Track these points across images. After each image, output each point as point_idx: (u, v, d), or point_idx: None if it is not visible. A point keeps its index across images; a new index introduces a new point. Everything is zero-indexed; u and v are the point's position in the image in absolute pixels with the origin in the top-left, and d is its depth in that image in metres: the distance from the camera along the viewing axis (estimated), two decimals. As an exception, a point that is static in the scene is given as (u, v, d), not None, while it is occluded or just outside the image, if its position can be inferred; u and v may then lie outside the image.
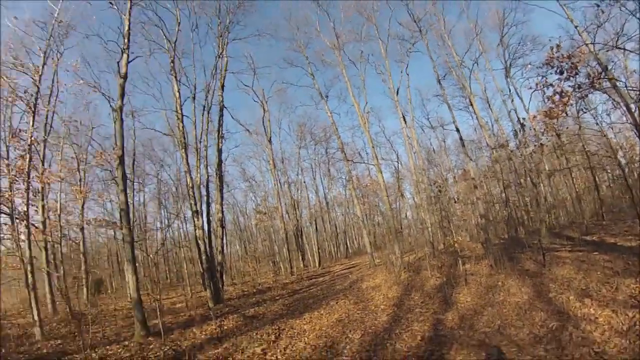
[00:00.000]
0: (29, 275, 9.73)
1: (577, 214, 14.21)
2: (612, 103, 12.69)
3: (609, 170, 15.65)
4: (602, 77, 7.63)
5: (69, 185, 18.46)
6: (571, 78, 7.29)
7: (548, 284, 7.09)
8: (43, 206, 13.31)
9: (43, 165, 13.45)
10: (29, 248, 10.10)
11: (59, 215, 16.35)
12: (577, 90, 7.59)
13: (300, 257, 27.66)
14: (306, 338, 7.41)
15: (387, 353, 5.81)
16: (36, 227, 11.98)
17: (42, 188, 13.23)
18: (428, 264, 11.25)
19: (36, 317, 9.14)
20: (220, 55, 16.79)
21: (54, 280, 14.41)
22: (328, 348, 6.52)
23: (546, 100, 7.86)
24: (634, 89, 9.86)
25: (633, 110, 11.23)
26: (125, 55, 10.11)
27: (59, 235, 16.37)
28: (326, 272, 21.52)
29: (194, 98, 16.26)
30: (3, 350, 7.84)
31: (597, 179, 14.19)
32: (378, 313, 8.46)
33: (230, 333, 8.50)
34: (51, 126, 14.75)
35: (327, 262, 30.02)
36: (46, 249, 13.52)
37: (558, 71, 7.17)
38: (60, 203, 17.07)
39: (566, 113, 7.98)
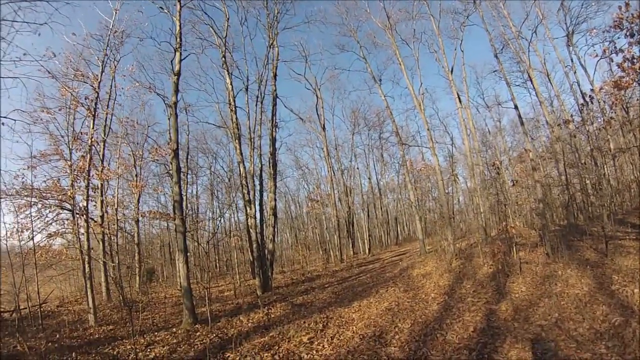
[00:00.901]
0: (86, 266, 10.62)
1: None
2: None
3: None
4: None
5: (126, 181, 20.23)
6: (642, 40, 6.64)
7: (610, 275, 6.70)
8: (102, 201, 14.44)
9: (102, 163, 14.73)
10: (87, 240, 11.10)
11: (116, 210, 17.73)
12: (650, 54, 6.89)
13: (351, 245, 27.92)
14: (354, 327, 7.51)
15: (437, 344, 5.85)
16: (95, 221, 13.13)
17: (101, 185, 14.51)
18: (480, 251, 10.98)
19: (91, 305, 9.89)
20: (271, 46, 17.05)
21: (110, 269, 15.66)
22: (376, 337, 6.61)
23: (615, 68, 7.24)
24: None
25: None
26: (177, 54, 10.64)
27: (116, 228, 17.82)
28: (376, 259, 21.61)
29: (246, 89, 16.90)
30: (58, 335, 8.49)
31: (667, 158, 12.86)
32: (428, 302, 8.45)
33: (278, 321, 8.73)
34: (110, 127, 15.99)
35: (377, 249, 30.09)
36: (103, 241, 14.69)
37: (628, 34, 6.56)
38: (118, 198, 18.44)
39: (638, 82, 7.30)
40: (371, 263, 19.68)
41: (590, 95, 13.92)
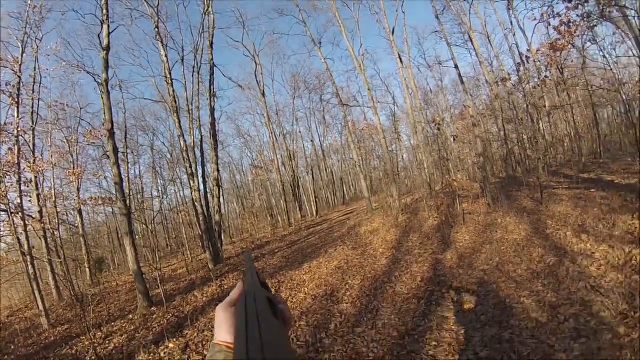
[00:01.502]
0: (30, 267, 9.81)
1: (575, 152, 14.08)
2: (620, 35, 12.05)
3: (612, 107, 15.28)
4: (613, 4, 7.11)
5: (62, 171, 18.51)
6: (579, 7, 6.84)
7: (545, 221, 7.11)
8: (38, 195, 13.18)
9: (34, 154, 13.33)
10: (27, 239, 10.18)
11: (55, 202, 16.30)
12: (585, 19, 7.13)
13: (298, 208, 27.96)
14: (306, 288, 7.49)
15: (387, 296, 5.91)
16: (33, 218, 12.04)
17: (35, 177, 13.15)
18: (426, 205, 11.30)
19: (41, 307, 9.26)
20: (207, 13, 15.82)
21: (56, 267, 14.55)
22: (328, 296, 6.59)
23: (551, 31, 7.45)
24: None
25: None
26: (105, 27, 9.47)
27: (57, 222, 16.36)
28: (324, 220, 21.79)
29: (182, 60, 15.94)
30: (12, 347, 7.93)
31: (597, 116, 13.87)
32: (377, 257, 8.57)
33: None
34: (38, 114, 14.44)
35: (325, 211, 30.40)
36: (45, 238, 13.51)
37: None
38: (55, 189, 16.98)
39: (573, 45, 7.58)
40: (319, 224, 19.82)
41: (526, 56, 14.50)
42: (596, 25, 8.21)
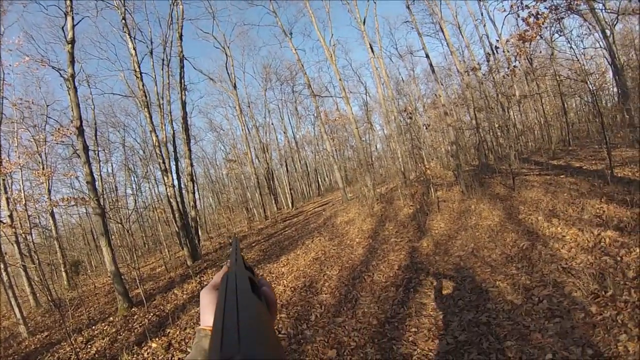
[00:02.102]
0: (4, 274, 9.38)
1: (545, 140, 14.53)
2: (587, 27, 12.46)
3: (579, 97, 15.88)
4: (580, -2, 7.34)
5: (32, 172, 17.46)
6: (548, -1, 7.01)
7: (518, 207, 7.28)
8: (7, 199, 12.53)
9: (0, 156, 12.49)
10: None
11: (25, 205, 15.42)
12: (553, 12, 7.32)
13: (273, 201, 27.76)
14: (284, 281, 7.43)
15: (365, 285, 5.91)
16: (3, 223, 11.45)
17: (3, 180, 12.50)
18: (400, 194, 11.39)
19: (19, 315, 8.93)
20: (175, 3, 15.23)
21: (31, 272, 13.91)
22: (307, 287, 6.55)
23: (520, 23, 7.59)
24: (613, 11, 9.62)
25: (608, 35, 11.09)
26: (69, 19, 8.91)
27: (29, 226, 15.57)
28: (300, 212, 21.70)
29: (151, 53, 15.39)
30: None
31: (565, 105, 14.35)
32: (354, 247, 8.57)
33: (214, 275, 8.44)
34: (2, 113, 13.49)
35: (301, 203, 30.29)
36: (17, 243, 12.77)
37: (535, -9, 6.86)
38: (25, 192, 16.23)
39: (541, 36, 7.75)
40: (295, 216, 19.73)
41: (496, 46, 14.80)
42: (564, 18, 8.41)
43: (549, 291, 3.95)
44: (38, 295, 13.52)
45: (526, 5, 7.16)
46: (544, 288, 4.05)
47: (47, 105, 18.42)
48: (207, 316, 0.58)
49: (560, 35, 13.21)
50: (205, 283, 9.04)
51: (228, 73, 25.15)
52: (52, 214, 18.42)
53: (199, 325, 0.59)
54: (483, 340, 3.50)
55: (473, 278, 5.00)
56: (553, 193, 7.29)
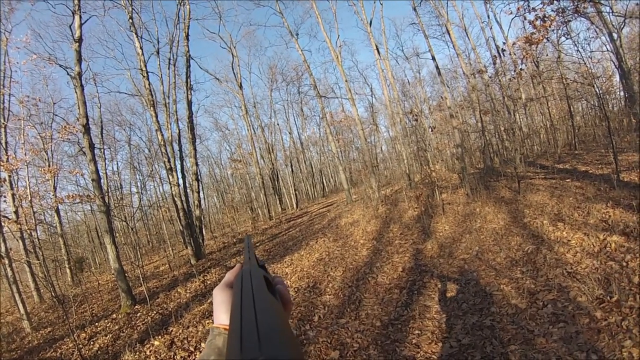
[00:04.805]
0: (9, 269, 9.47)
1: (551, 143, 14.44)
2: (594, 30, 12.38)
3: (586, 100, 15.80)
4: (587, 0, 7.32)
5: (37, 169, 17.71)
6: (555, 2, 6.99)
7: (523, 210, 7.25)
8: (13, 195, 12.66)
9: (7, 152, 12.75)
10: (4, 241, 9.73)
11: (31, 201, 15.52)
12: (560, 14, 7.30)
13: (278, 201, 27.81)
14: (288, 281, 7.44)
15: (369, 287, 5.91)
16: (8, 219, 11.49)
17: (9, 176, 12.59)
18: (405, 196, 11.38)
19: (22, 311, 9.02)
20: (182, 3, 15.35)
21: (36, 268, 13.99)
22: (311, 288, 6.56)
23: (527, 25, 7.59)
24: (620, 15, 9.57)
25: (615, 39, 11.02)
26: (77, 18, 9.01)
27: (34, 222, 15.74)
28: (304, 213, 21.70)
29: (158, 53, 15.52)
30: None
31: (572, 108, 14.28)
32: (358, 248, 8.57)
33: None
34: (9, 110, 13.75)
35: (305, 203, 30.29)
36: (23, 239, 13.04)
37: (543, -6, 6.86)
38: (31, 188, 16.25)
39: (547, 39, 7.73)
40: (300, 217, 19.73)
41: (503, 49, 14.76)
42: (571, 21, 8.39)
43: (553, 296, 3.94)
44: (42, 291, 13.66)
45: (533, 8, 7.16)
46: (548, 292, 4.04)
47: (54, 103, 18.43)
48: (221, 314, 0.58)
49: (567, 38, 13.11)
50: (208, 282, 9.11)
51: (234, 73, 25.24)
52: (57, 211, 18.51)
53: (212, 323, 0.59)
54: (487, 344, 3.50)
55: (477, 281, 4.99)
56: (558, 197, 7.26)
